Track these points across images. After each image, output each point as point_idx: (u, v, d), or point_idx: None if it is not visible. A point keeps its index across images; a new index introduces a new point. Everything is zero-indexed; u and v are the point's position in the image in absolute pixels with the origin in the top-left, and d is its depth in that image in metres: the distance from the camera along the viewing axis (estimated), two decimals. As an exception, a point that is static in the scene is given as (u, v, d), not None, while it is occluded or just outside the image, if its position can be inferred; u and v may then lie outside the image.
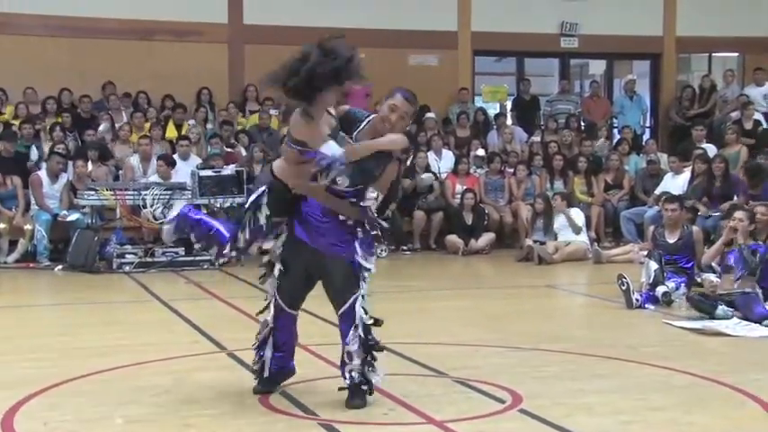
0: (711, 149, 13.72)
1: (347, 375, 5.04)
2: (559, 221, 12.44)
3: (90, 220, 11.59)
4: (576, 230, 12.32)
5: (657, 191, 13.03)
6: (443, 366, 5.95)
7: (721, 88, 16.18)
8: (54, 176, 12.21)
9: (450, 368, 5.90)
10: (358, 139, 4.94)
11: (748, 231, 8.30)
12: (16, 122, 13.36)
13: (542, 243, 12.16)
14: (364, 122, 5.03)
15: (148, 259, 11.15)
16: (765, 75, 15.84)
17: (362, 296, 5.03)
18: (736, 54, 17.59)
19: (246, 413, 4.95)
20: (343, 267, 4.97)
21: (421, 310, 8.67)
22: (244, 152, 13.50)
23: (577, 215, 12.52)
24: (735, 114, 15.12)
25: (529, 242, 12.25)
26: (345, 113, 5.04)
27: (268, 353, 5.23)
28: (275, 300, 5.16)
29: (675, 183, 12.99)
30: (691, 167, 12.91)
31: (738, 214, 8.43)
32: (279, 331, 5.22)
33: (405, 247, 13.24)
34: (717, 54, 17.81)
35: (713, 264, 9.05)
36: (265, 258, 5.21)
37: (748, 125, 14.49)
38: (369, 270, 5.01)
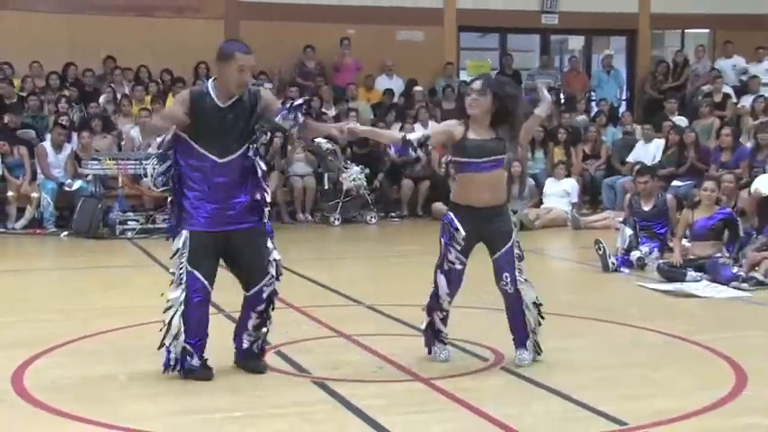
0: (683, 121, 13.72)
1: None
2: (549, 187, 12.51)
3: (94, 189, 11.53)
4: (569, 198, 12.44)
5: (630, 158, 13.04)
6: (429, 326, 5.94)
7: (693, 63, 16.14)
8: (58, 147, 12.14)
9: (436, 328, 5.90)
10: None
11: (715, 198, 8.30)
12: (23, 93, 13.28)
13: (514, 211, 12.22)
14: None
15: (149, 226, 11.11)
16: (734, 47, 15.83)
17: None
18: (707, 30, 17.52)
19: (242, 371, 4.94)
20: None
21: (408, 274, 8.66)
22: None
23: (570, 185, 12.56)
24: (706, 88, 15.09)
25: None
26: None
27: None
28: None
29: (647, 150, 13.00)
30: (663, 138, 12.91)
31: (708, 184, 8.41)
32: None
33: (393, 214, 13.23)
34: (689, 30, 17.75)
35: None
36: None
37: (718, 98, 14.48)
38: None
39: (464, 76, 16.79)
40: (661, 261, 8.29)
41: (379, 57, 15.46)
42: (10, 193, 11.70)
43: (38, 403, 4.41)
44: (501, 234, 5.08)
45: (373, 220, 12.60)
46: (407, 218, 13.23)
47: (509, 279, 5.05)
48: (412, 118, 14.21)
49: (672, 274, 7.84)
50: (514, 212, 12.09)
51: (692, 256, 8.13)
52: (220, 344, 5.22)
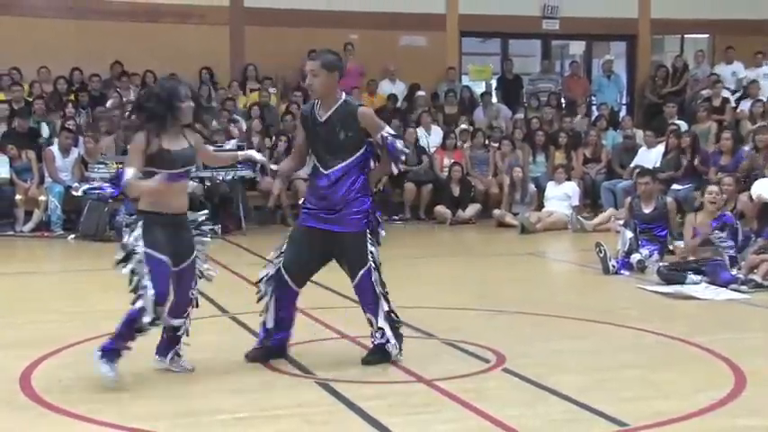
0: (683, 126, 13.72)
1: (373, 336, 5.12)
2: (550, 191, 12.55)
3: (100, 192, 11.54)
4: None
5: (632, 164, 13.03)
6: (432, 329, 5.96)
7: (692, 68, 16.14)
8: (65, 151, 12.17)
9: (439, 330, 5.92)
10: None
11: (719, 203, 8.29)
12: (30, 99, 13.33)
13: (515, 214, 12.33)
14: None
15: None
16: (735, 53, 15.83)
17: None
18: (707, 36, 17.53)
19: (248, 372, 4.96)
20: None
21: (411, 277, 8.67)
22: (244, 127, 13.44)
23: (571, 188, 12.60)
24: (705, 92, 15.08)
25: (497, 212, 12.59)
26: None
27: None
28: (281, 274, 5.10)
29: (649, 156, 12.99)
30: (664, 142, 12.91)
31: (711, 188, 8.36)
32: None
33: (396, 217, 13.23)
34: (688, 35, 17.76)
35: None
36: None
37: (717, 102, 14.48)
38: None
39: (466, 81, 16.84)
40: (660, 264, 8.29)
41: (382, 62, 15.48)
42: (18, 197, 11.73)
43: (45, 404, 4.42)
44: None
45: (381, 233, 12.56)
46: (410, 221, 13.24)
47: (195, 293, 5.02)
48: (414, 122, 14.24)
49: (671, 276, 7.83)
50: (515, 215, 12.34)
51: (691, 259, 8.13)
52: (225, 344, 5.24)
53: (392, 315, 5.12)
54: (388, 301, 5.13)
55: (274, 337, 5.14)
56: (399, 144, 5.09)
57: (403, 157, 5.15)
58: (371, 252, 5.06)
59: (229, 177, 11.32)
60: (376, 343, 5.09)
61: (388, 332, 5.06)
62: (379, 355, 5.08)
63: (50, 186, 11.91)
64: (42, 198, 11.73)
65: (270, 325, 5.10)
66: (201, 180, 11.67)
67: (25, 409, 4.38)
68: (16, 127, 12.53)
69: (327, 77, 5.00)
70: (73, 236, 11.26)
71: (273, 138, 13.09)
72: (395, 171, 5.26)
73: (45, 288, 8.28)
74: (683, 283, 7.65)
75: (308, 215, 5.09)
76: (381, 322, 5.06)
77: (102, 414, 4.23)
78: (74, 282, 8.62)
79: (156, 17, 14.76)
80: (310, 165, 5.18)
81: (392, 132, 5.16)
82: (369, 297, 5.05)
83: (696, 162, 12.07)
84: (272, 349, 5.14)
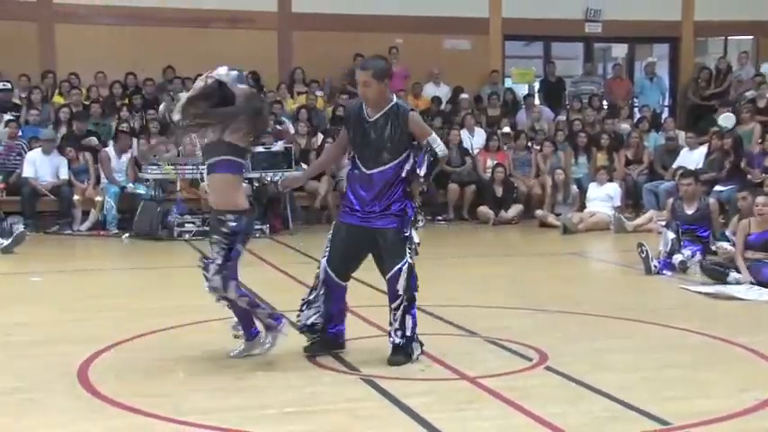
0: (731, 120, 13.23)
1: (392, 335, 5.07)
2: (592, 192, 12.47)
3: (153, 193, 11.70)
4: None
5: (674, 165, 12.86)
6: (475, 327, 5.94)
7: (736, 69, 15.88)
8: (120, 152, 12.35)
9: (482, 328, 5.90)
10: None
11: None
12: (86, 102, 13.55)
13: (558, 214, 12.24)
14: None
15: (206, 228, 11.18)
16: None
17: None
18: (751, 37, 17.23)
19: (295, 368, 4.99)
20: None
21: (455, 276, 8.65)
22: (291, 129, 13.53)
23: (613, 189, 12.50)
24: (749, 93, 14.83)
25: (539, 212, 12.50)
26: None
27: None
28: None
29: (691, 157, 12.82)
30: (707, 143, 12.71)
31: (760, 199, 8.12)
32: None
33: (440, 218, 13.21)
34: (732, 37, 17.48)
35: (727, 232, 8.91)
36: None
37: (762, 103, 14.22)
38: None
39: (509, 84, 16.76)
40: (705, 259, 8.19)
41: (427, 65, 15.48)
42: (76, 197, 11.94)
43: (102, 396, 4.49)
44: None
45: (420, 224, 12.54)
46: (453, 221, 13.21)
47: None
48: (458, 124, 14.21)
49: (714, 272, 7.74)
50: (558, 215, 12.25)
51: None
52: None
53: (415, 317, 5.08)
54: (414, 301, 5.06)
55: (329, 330, 5.20)
56: (440, 150, 5.07)
57: (435, 168, 5.13)
58: (409, 249, 5.04)
59: (277, 178, 11.36)
60: (396, 343, 5.05)
61: (409, 332, 5.00)
62: (401, 355, 5.04)
63: (106, 187, 12.11)
64: (98, 198, 11.93)
65: (320, 320, 5.15)
66: (250, 181, 11.76)
67: (83, 401, 4.45)
68: (75, 130, 12.76)
69: (379, 86, 4.99)
70: (127, 235, 11.43)
71: (321, 139, 13.16)
72: (421, 174, 5.10)
73: (101, 285, 8.41)
74: (725, 279, 7.54)
75: (347, 213, 5.12)
76: (406, 320, 5.00)
77: (157, 408, 4.28)
78: (131, 279, 8.74)
79: (207, 23, 14.92)
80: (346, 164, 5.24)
81: (437, 138, 5.14)
82: (399, 291, 4.99)
83: (743, 164, 11.88)
84: (329, 341, 5.21)
